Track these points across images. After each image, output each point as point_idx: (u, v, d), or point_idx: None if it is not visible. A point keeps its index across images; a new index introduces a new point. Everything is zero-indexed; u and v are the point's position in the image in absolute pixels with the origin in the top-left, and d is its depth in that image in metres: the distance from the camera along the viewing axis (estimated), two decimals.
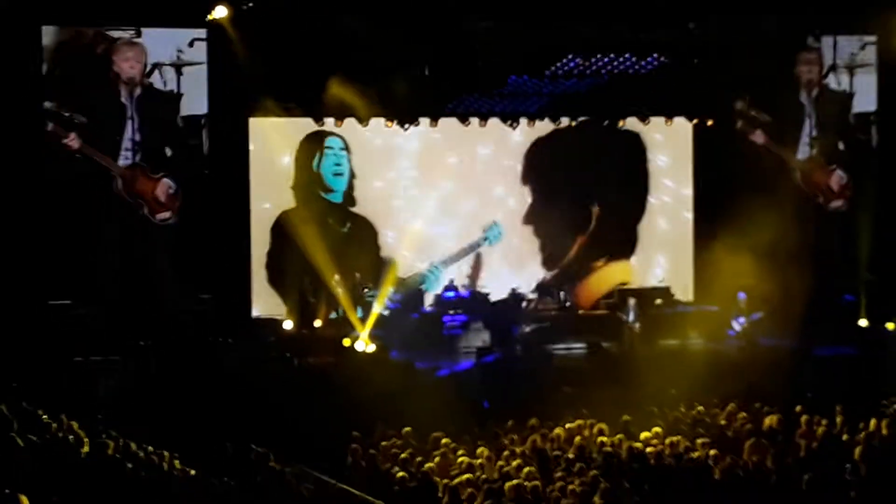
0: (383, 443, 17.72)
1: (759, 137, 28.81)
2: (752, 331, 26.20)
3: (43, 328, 23.16)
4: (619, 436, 17.40)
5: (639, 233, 29.87)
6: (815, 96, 29.08)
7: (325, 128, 27.35)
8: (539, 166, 29.22)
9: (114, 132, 25.05)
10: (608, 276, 29.34)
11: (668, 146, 29.72)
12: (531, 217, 29.18)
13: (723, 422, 18.90)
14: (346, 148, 28.05)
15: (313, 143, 27.86)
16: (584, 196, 29.38)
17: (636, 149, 29.64)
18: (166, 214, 25.45)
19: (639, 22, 25.73)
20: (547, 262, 29.27)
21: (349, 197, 28.21)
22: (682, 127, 29.35)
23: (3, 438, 11.19)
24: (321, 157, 27.98)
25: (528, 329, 26.42)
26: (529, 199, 29.16)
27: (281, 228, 27.19)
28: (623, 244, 29.73)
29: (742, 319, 26.38)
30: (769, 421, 18.40)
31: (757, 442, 16.78)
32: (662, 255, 29.74)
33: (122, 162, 25.10)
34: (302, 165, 27.83)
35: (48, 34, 24.45)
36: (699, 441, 17.12)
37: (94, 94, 25.00)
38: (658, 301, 27.65)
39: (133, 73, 25.03)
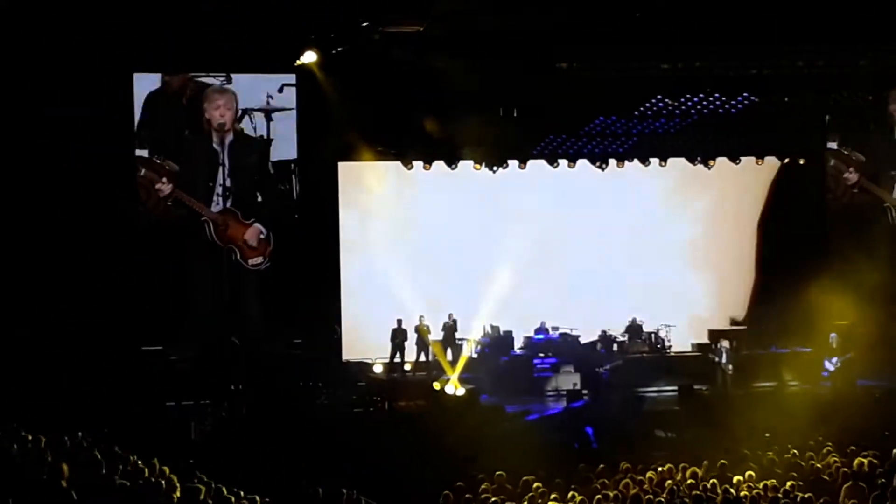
0: (483, 486, 17.58)
1: (852, 176, 28.48)
2: (846, 372, 25.72)
3: (135, 373, 23.32)
4: (712, 479, 17.14)
5: None
6: None
7: None
8: None
9: (206, 178, 25.31)
10: None
11: (759, 185, 29.34)
12: None
13: (818, 465, 18.55)
14: None
15: None
16: None
17: None
18: (258, 259, 25.59)
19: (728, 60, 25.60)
20: None
21: None
22: (774, 166, 29.00)
23: (96, 482, 11.27)
24: None
25: (618, 371, 26.12)
26: None
27: None
28: None
29: (835, 360, 25.89)
30: (866, 464, 18.02)
31: (854, 485, 16.43)
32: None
33: (213, 208, 25.33)
34: None
35: (140, 81, 24.77)
36: (793, 484, 16.80)
37: (185, 140, 25.28)
38: None
39: (224, 120, 25.25)
